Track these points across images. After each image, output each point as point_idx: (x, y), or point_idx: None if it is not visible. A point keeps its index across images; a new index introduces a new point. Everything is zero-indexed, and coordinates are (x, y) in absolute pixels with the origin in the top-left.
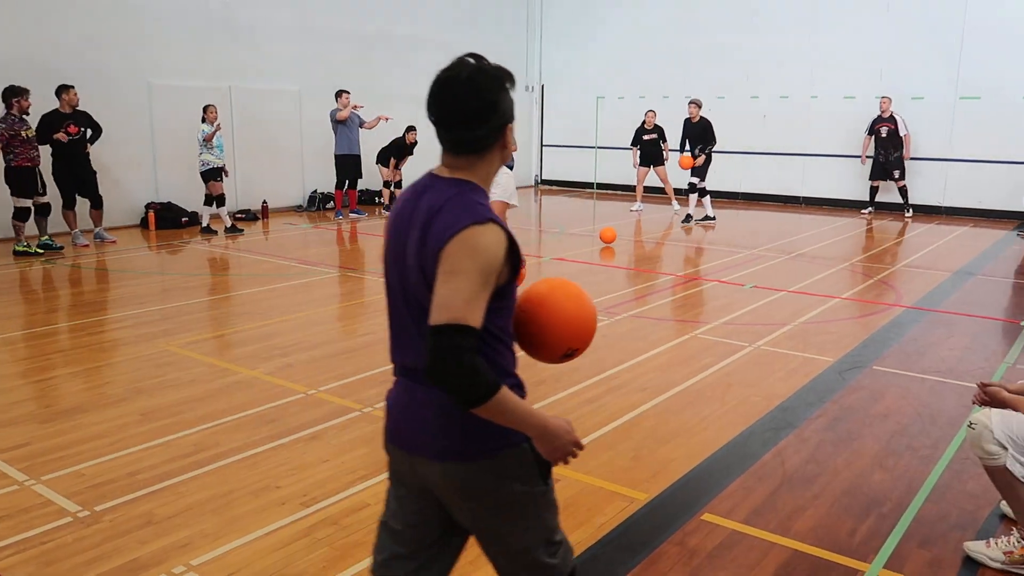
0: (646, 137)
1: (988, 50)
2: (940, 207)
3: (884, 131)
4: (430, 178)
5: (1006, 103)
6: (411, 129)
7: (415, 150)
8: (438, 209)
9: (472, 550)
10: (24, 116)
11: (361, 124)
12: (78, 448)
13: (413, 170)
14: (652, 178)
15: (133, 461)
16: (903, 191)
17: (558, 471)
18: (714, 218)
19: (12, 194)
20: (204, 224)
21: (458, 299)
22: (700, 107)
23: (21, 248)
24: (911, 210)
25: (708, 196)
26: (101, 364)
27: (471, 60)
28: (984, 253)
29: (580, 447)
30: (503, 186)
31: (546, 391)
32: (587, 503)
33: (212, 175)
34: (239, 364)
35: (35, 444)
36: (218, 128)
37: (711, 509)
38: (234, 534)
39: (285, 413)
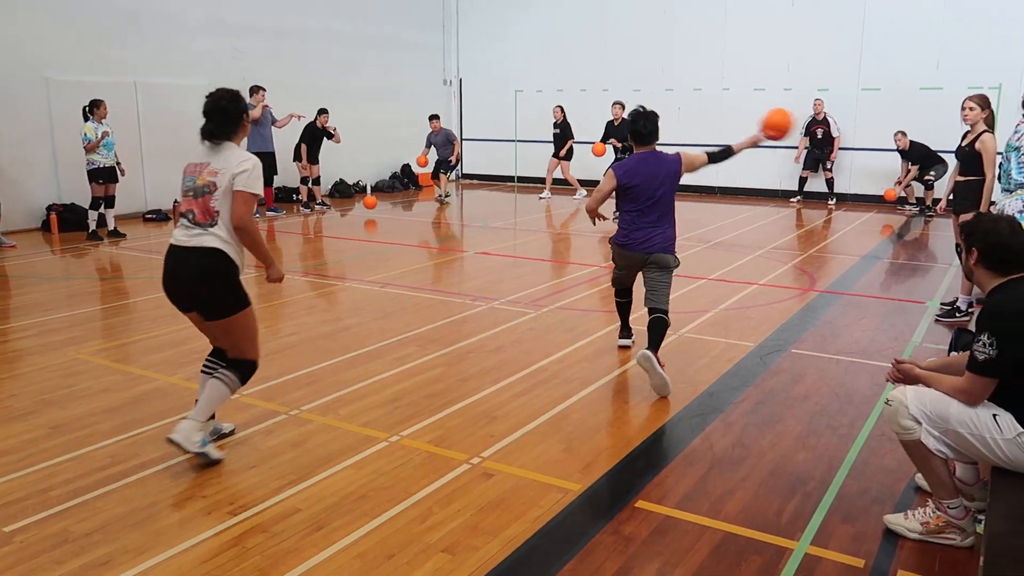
0: (555, 131)
1: (887, 44)
2: (847, 194)
3: (819, 132)
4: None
5: (903, 94)
6: (322, 112)
7: (331, 136)
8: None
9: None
10: None
11: (273, 122)
12: None
13: (333, 158)
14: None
15: (44, 477)
16: (830, 182)
17: (490, 466)
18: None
19: None
20: (91, 229)
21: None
22: (624, 108)
23: None
24: (835, 199)
25: None
26: (4, 376)
27: None
28: (888, 238)
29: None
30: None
31: (475, 386)
32: (521, 497)
33: (98, 175)
34: (155, 370)
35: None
36: (104, 135)
37: (644, 496)
38: (158, 548)
39: None
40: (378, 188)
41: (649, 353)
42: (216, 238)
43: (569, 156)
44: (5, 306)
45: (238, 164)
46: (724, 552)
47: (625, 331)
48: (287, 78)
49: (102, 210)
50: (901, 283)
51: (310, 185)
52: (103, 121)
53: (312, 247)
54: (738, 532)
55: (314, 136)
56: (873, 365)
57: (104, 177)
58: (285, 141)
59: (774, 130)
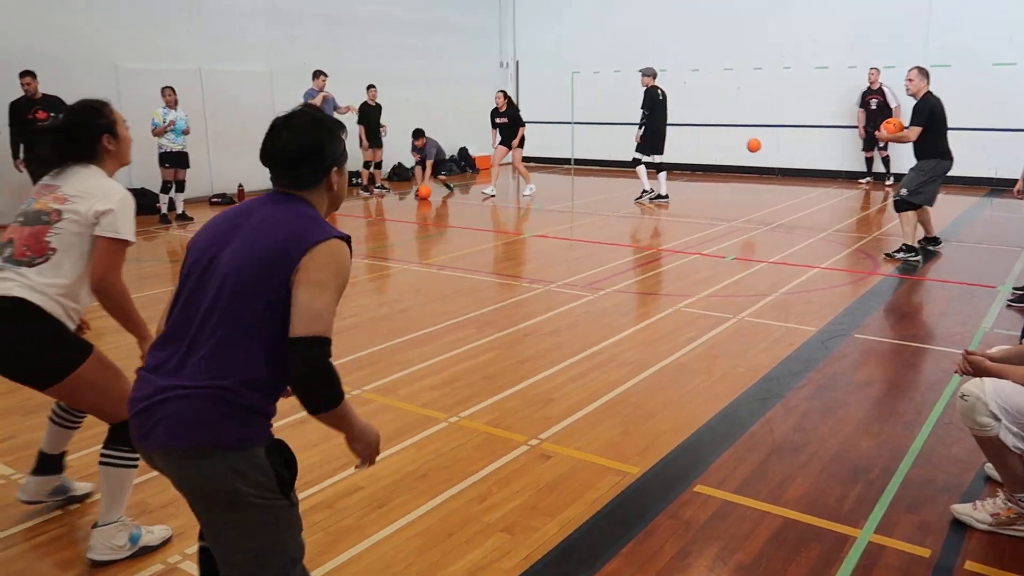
0: (499, 120)
1: (956, 18)
2: None
3: (874, 103)
4: (265, 194)
5: (975, 70)
6: (370, 87)
7: (382, 115)
8: (288, 221)
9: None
10: None
11: (335, 108)
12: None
13: (391, 143)
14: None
15: None
16: (886, 161)
17: (548, 448)
18: (666, 197)
19: None
20: (161, 212)
21: (328, 312)
22: (654, 76)
23: None
24: (892, 178)
25: (663, 173)
26: None
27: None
28: (957, 220)
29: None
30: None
31: (532, 368)
32: (579, 479)
33: (166, 160)
34: None
35: (19, 437)
36: (171, 123)
37: (703, 480)
38: None
39: None
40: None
41: None
42: (23, 286)
43: (522, 144)
44: None
45: (104, 197)
46: (784, 538)
47: None
48: (342, 63)
49: (172, 194)
50: (970, 266)
51: (371, 169)
52: (175, 107)
53: (372, 230)
54: (798, 518)
55: (368, 116)
56: (940, 351)
57: (172, 161)
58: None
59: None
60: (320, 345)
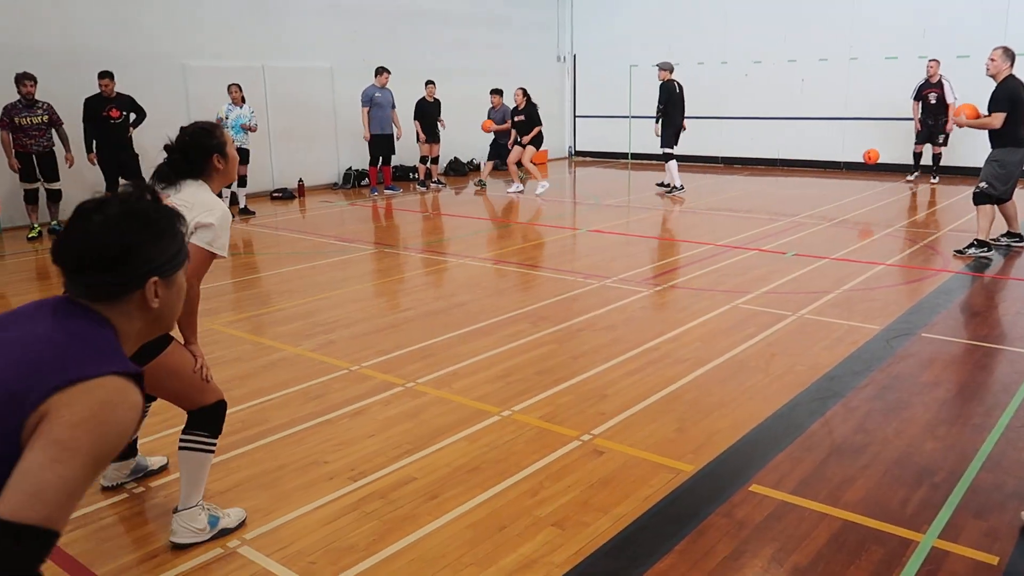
0: (516, 118)
1: None
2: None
3: (932, 97)
4: (56, 298)
5: None
6: (429, 83)
7: (442, 110)
8: (45, 342)
9: None
10: (28, 102)
11: (393, 106)
12: None
13: (447, 137)
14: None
15: None
16: (937, 157)
17: (601, 443)
18: (682, 188)
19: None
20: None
21: (60, 491)
22: (671, 71)
23: (32, 235)
24: (937, 176)
25: (672, 162)
26: None
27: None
28: None
29: None
30: (216, 229)
31: (586, 363)
32: (632, 475)
33: None
34: (282, 341)
35: None
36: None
37: (759, 480)
38: (285, 508)
39: (329, 389)
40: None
41: None
42: None
43: (536, 143)
44: None
45: (207, 211)
46: (843, 541)
47: None
48: (402, 59)
49: (234, 188)
50: None
51: (428, 164)
52: (241, 104)
53: (429, 224)
54: (858, 521)
55: (424, 112)
56: (1014, 352)
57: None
58: (405, 120)
59: None
60: (29, 539)
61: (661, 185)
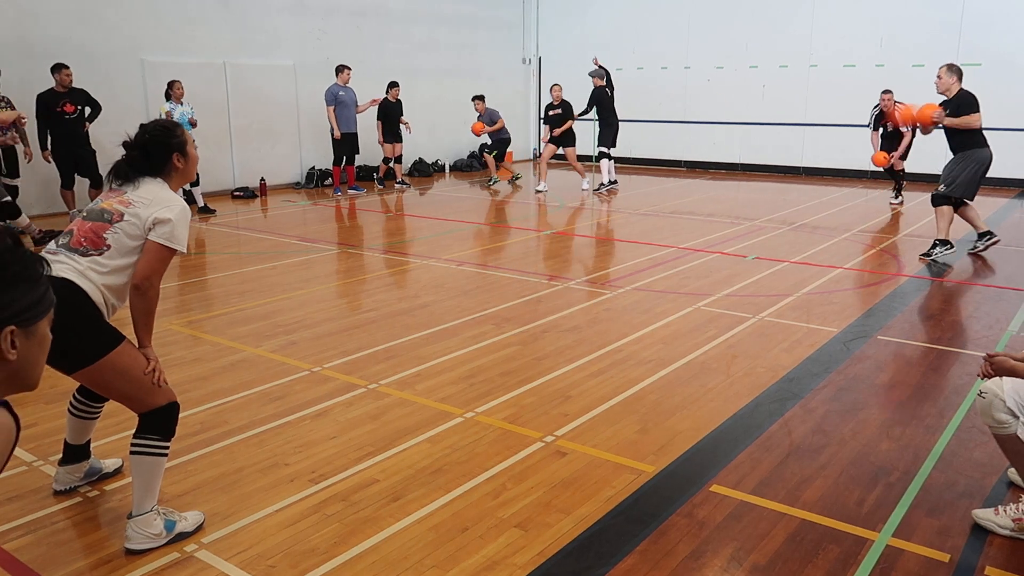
0: (551, 112)
1: (991, 15)
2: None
3: (890, 126)
4: None
5: (1008, 70)
6: (392, 85)
7: (403, 110)
8: None
9: None
10: None
11: (356, 105)
12: None
13: (412, 138)
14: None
15: None
16: (899, 175)
17: (564, 444)
18: (615, 182)
19: None
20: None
21: None
22: (603, 78)
23: None
24: (901, 197)
25: (612, 162)
26: None
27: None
28: (987, 220)
29: None
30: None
31: (550, 365)
32: (595, 476)
33: None
34: (243, 342)
35: (42, 425)
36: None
37: (719, 480)
38: (244, 511)
39: (291, 391)
40: (456, 167)
41: None
42: (73, 270)
43: (566, 137)
44: None
45: (165, 207)
46: (801, 540)
47: None
48: (366, 58)
49: (188, 187)
50: (999, 268)
51: (391, 164)
52: (182, 101)
53: (391, 225)
54: (816, 520)
55: (387, 113)
56: (965, 354)
57: None
58: (367, 121)
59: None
60: None
61: (601, 187)
